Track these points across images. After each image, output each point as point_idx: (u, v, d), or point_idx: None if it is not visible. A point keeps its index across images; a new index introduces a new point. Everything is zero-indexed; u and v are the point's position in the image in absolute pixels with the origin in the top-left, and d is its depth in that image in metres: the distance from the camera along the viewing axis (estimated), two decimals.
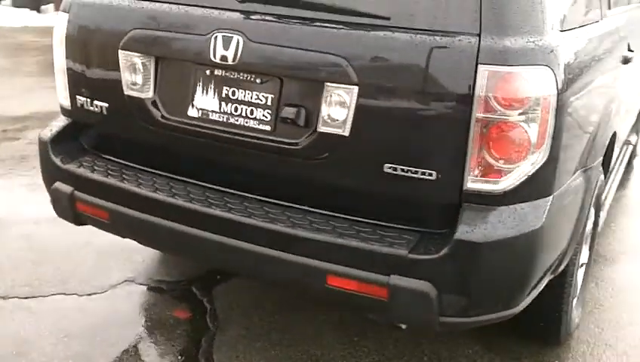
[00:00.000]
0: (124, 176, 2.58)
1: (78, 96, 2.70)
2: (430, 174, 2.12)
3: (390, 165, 2.15)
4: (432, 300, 2.10)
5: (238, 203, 2.39)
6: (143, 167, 2.62)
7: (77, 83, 2.70)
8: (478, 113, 2.03)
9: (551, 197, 2.20)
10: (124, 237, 2.71)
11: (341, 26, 2.20)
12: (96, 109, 2.65)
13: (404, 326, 2.42)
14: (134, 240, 2.71)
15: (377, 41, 2.13)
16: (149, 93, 2.50)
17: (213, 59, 2.32)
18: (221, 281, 3.36)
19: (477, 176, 2.09)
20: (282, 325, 3.02)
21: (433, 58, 2.06)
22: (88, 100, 2.67)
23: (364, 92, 2.13)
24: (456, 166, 2.09)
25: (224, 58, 2.29)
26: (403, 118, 2.13)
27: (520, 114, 2.04)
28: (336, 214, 2.29)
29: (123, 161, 2.68)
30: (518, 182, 2.10)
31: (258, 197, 2.40)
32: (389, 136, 2.15)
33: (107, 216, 2.57)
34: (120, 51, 2.52)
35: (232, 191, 2.44)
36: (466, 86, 2.03)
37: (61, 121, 2.81)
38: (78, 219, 2.72)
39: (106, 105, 2.62)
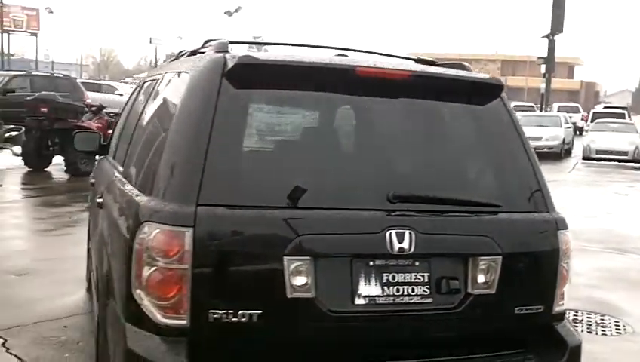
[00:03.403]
0: None
1: (211, 311, 2.57)
2: (539, 308, 3.04)
3: (519, 308, 2.98)
4: None
5: None
6: None
7: (210, 298, 2.57)
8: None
9: None
10: None
11: (480, 215, 2.94)
12: (242, 319, 2.59)
13: None
14: None
15: (506, 223, 2.97)
16: (311, 293, 2.66)
17: (390, 251, 2.72)
18: None
19: (560, 301, 3.11)
20: None
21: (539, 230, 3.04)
22: (229, 313, 2.58)
23: (505, 259, 2.92)
24: (551, 297, 3.07)
25: (402, 249, 2.73)
26: (531, 271, 3.00)
27: None
28: (480, 354, 2.96)
29: None
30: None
31: (426, 360, 2.84)
32: (518, 287, 2.99)
33: None
34: (285, 258, 2.61)
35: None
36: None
37: (178, 349, 2.56)
38: None
39: (259, 312, 2.60)
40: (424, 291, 2.83)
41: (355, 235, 2.73)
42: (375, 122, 3.04)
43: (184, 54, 3.67)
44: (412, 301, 2.81)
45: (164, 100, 3.32)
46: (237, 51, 2.96)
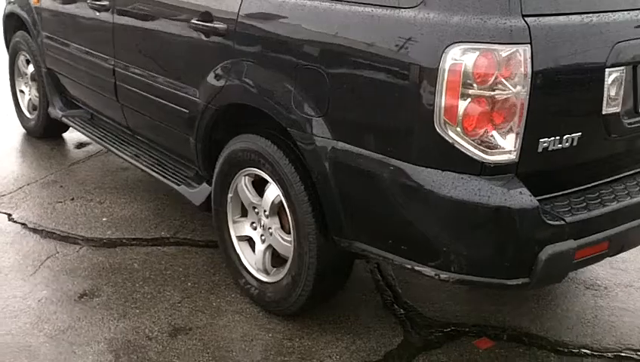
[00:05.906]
0: (599, 197, 2.43)
1: (541, 140, 2.23)
2: None
3: None
4: None
5: None
6: (595, 183, 2.49)
7: (541, 126, 2.22)
8: None
9: None
10: (613, 255, 2.52)
11: None
12: (565, 144, 2.29)
13: None
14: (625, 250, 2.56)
15: None
16: (618, 107, 2.40)
17: None
18: None
19: None
20: None
21: None
22: (555, 140, 2.26)
23: None
24: None
25: None
26: None
27: None
28: None
29: (574, 188, 2.44)
30: None
31: None
32: None
33: (607, 246, 2.41)
34: (607, 69, 2.29)
35: None
36: None
37: (517, 188, 2.20)
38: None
39: (579, 134, 2.31)
40: None
41: None
42: None
43: None
44: None
45: None
46: None
